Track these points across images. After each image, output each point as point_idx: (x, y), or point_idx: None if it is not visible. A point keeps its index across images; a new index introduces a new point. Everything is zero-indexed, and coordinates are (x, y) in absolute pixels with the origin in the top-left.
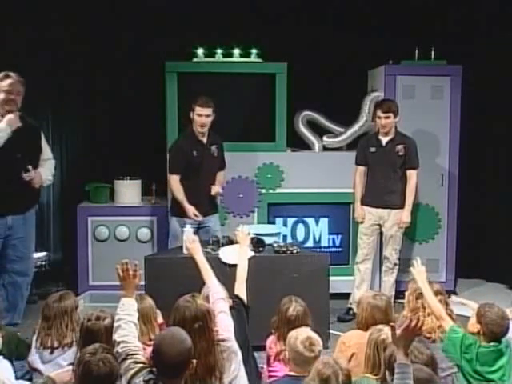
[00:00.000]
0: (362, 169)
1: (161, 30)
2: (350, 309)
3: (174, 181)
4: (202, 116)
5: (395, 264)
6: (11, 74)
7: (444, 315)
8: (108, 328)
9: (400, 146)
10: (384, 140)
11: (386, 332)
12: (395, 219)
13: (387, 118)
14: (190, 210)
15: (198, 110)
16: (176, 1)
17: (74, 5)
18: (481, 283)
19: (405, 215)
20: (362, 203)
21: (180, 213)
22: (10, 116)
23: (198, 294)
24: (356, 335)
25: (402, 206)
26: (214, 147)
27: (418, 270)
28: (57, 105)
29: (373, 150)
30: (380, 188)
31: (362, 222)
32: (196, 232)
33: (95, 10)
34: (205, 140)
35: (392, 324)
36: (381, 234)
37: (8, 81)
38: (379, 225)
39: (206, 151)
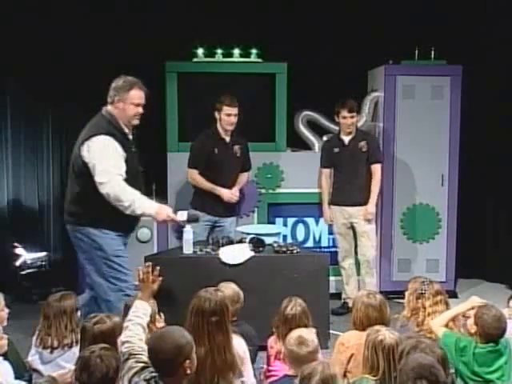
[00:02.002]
0: (327, 171)
1: (161, 30)
2: (345, 303)
3: (194, 174)
4: (231, 115)
5: (373, 263)
6: (136, 81)
7: (442, 327)
8: (108, 331)
9: (362, 143)
10: (346, 139)
11: (383, 333)
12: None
13: (352, 117)
14: (225, 193)
15: (227, 109)
16: (176, 1)
17: (74, 4)
18: (481, 283)
19: (369, 206)
20: (332, 203)
21: (199, 208)
22: (166, 213)
23: (222, 291)
24: (354, 336)
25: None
26: (236, 147)
27: (473, 299)
28: (57, 105)
29: (336, 150)
30: (347, 186)
31: (330, 225)
32: (211, 230)
33: (95, 10)
34: (228, 139)
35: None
36: (354, 233)
37: (139, 92)
38: (351, 223)
39: (228, 150)
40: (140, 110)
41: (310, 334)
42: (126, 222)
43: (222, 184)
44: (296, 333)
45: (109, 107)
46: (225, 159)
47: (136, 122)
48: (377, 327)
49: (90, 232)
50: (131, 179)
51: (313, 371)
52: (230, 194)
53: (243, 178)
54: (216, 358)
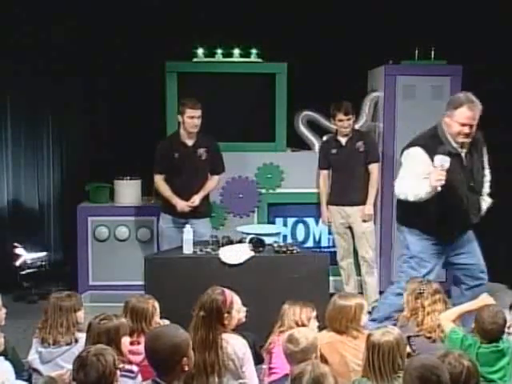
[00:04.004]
0: (325, 172)
1: (161, 30)
2: None
3: (157, 179)
4: (194, 118)
5: (373, 262)
6: (468, 100)
7: (450, 322)
8: (113, 329)
9: (359, 143)
10: (343, 140)
11: (378, 333)
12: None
13: (349, 119)
14: (179, 204)
15: (190, 112)
16: (176, 1)
17: (74, 4)
18: None
19: (367, 208)
20: (330, 203)
21: (167, 209)
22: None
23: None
24: (323, 337)
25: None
26: (201, 150)
27: (484, 297)
28: (57, 105)
29: (334, 151)
30: (345, 186)
31: (328, 225)
32: (178, 232)
33: (95, 10)
34: (191, 142)
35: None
36: (353, 233)
37: (466, 113)
38: (349, 223)
39: (190, 154)
40: (465, 129)
41: (302, 333)
42: (439, 228)
43: (184, 188)
44: (290, 331)
45: (444, 118)
46: (186, 164)
47: (461, 139)
48: (379, 330)
49: (405, 230)
50: (450, 191)
51: (303, 371)
52: (182, 205)
53: (211, 182)
54: (195, 354)
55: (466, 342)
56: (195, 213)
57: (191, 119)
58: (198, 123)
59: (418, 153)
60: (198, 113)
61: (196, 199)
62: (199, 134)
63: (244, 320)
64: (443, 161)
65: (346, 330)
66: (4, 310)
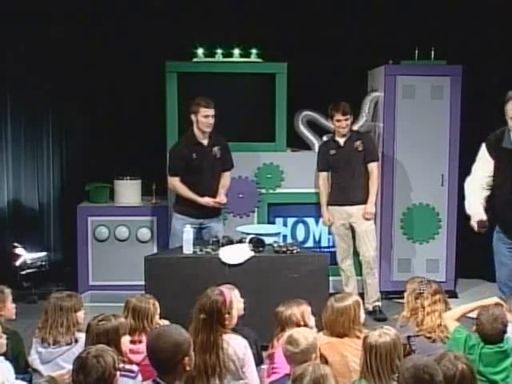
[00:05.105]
0: (325, 174)
1: (161, 30)
2: None
3: (174, 181)
4: (209, 117)
5: (374, 262)
6: None
7: (454, 321)
8: (112, 330)
9: (358, 142)
10: (341, 141)
11: (375, 335)
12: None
13: (347, 119)
14: (205, 200)
15: (204, 111)
16: (176, 1)
17: (74, 4)
18: (481, 283)
19: (369, 206)
20: (331, 204)
21: (182, 211)
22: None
23: (233, 292)
24: (323, 337)
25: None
26: (216, 148)
27: (491, 298)
28: (57, 105)
29: (333, 152)
30: (345, 186)
31: (330, 226)
32: (198, 232)
33: (95, 10)
34: (206, 142)
35: None
36: (353, 232)
37: None
38: (350, 223)
39: (206, 153)
40: None
41: (301, 334)
42: (500, 223)
43: (204, 188)
44: (289, 332)
45: None
46: (204, 163)
47: None
48: (377, 331)
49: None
50: (502, 187)
51: (304, 372)
52: (209, 201)
53: (226, 179)
54: (196, 356)
55: (470, 342)
56: (211, 212)
57: (206, 118)
58: (213, 122)
59: (482, 148)
60: (212, 111)
61: (223, 198)
62: (211, 132)
63: (243, 312)
64: (480, 216)
65: (348, 332)
66: (14, 305)
